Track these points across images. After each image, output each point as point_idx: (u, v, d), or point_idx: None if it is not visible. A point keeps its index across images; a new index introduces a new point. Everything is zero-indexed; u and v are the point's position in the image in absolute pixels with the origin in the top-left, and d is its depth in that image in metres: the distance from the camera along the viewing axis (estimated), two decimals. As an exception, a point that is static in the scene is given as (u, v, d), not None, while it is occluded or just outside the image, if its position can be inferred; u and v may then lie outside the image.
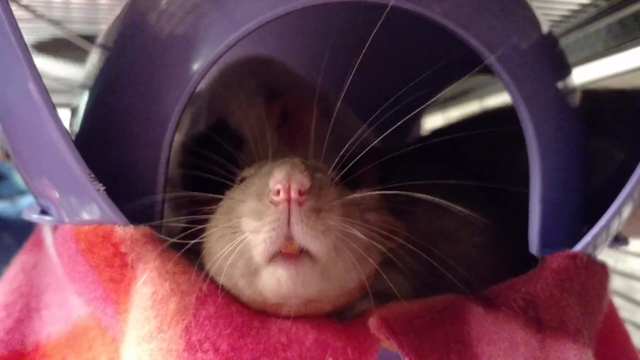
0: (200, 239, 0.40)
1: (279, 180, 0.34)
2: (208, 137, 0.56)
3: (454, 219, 0.49)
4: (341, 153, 0.43)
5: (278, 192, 0.34)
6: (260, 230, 0.35)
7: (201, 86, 0.60)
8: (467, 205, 0.52)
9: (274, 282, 0.37)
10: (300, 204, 0.34)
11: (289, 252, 0.36)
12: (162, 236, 0.40)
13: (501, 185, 0.48)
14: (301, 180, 0.34)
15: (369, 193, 0.43)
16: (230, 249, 0.37)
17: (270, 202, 0.35)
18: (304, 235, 0.35)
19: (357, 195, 0.41)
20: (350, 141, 0.44)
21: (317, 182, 0.36)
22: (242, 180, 0.43)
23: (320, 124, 0.60)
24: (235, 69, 0.62)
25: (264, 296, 0.38)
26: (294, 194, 0.34)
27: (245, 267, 0.37)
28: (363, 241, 0.38)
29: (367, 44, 0.44)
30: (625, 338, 0.49)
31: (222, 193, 0.44)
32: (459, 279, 0.45)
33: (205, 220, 0.42)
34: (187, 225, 0.41)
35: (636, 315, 0.72)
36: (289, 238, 0.35)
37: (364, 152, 0.44)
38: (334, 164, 0.42)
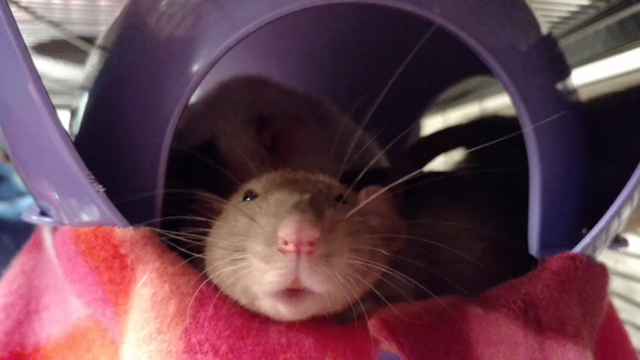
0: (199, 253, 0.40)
1: (288, 234, 0.34)
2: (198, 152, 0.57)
3: (457, 223, 0.49)
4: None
5: (287, 242, 0.34)
6: (267, 272, 0.35)
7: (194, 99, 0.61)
8: (471, 208, 0.52)
9: (274, 311, 0.38)
10: (309, 253, 0.34)
11: (292, 288, 0.36)
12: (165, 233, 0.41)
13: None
14: (312, 234, 0.34)
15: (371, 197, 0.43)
16: (231, 272, 0.37)
17: (279, 250, 0.34)
18: (310, 281, 0.35)
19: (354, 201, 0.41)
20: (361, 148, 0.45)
21: (327, 225, 0.36)
22: (248, 194, 0.42)
23: (316, 135, 0.61)
24: (229, 91, 0.64)
25: (264, 313, 0.39)
26: (304, 248, 0.34)
27: (245, 290, 0.38)
28: (365, 264, 0.38)
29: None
30: (624, 339, 0.48)
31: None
32: (461, 283, 0.45)
33: (206, 223, 0.42)
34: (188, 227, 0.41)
35: (636, 316, 0.72)
36: (295, 279, 0.35)
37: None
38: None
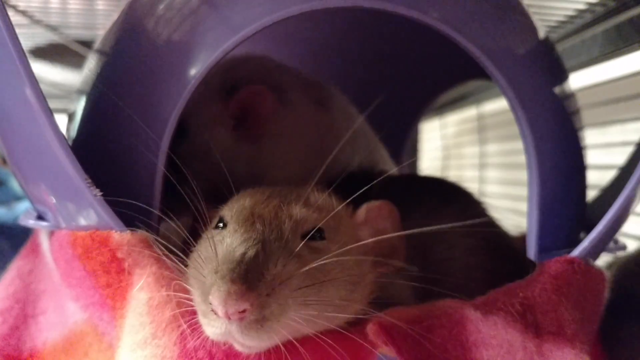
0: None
1: (215, 304, 0.33)
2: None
3: (447, 222, 0.49)
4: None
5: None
6: (205, 325, 0.35)
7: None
8: (460, 208, 0.53)
9: (234, 345, 0.36)
10: (240, 319, 0.33)
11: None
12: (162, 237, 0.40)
13: None
14: (239, 305, 0.33)
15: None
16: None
17: (212, 310, 0.34)
18: (247, 342, 0.35)
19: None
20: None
21: (264, 290, 0.34)
22: (220, 219, 0.41)
23: (309, 116, 0.58)
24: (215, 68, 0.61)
25: None
26: (232, 316, 0.33)
27: None
28: (341, 295, 0.37)
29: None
30: None
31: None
32: (453, 280, 0.45)
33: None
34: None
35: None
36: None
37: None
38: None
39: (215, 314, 0.33)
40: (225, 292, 0.33)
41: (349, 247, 0.39)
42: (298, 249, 0.37)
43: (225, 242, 0.37)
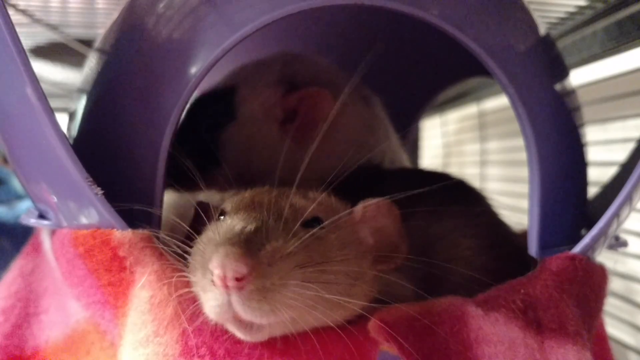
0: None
1: (213, 267, 0.33)
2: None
3: (448, 223, 0.49)
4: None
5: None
6: (205, 302, 0.35)
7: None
8: (462, 207, 0.53)
9: (236, 334, 0.36)
10: (239, 288, 0.33)
11: (239, 319, 0.35)
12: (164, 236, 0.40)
13: None
14: (237, 269, 0.32)
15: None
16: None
17: (212, 281, 0.34)
18: (247, 316, 0.34)
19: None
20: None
21: (265, 259, 0.34)
22: (221, 212, 0.41)
23: (357, 111, 0.59)
24: (263, 59, 0.62)
25: None
26: (230, 282, 0.33)
27: None
28: (341, 288, 0.37)
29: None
30: (603, 340, 0.48)
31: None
32: (457, 280, 0.44)
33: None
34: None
35: (635, 317, 0.72)
36: (235, 312, 0.34)
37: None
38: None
39: (214, 285, 0.33)
40: (223, 254, 0.33)
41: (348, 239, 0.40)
42: (296, 228, 0.37)
43: (224, 224, 0.37)
